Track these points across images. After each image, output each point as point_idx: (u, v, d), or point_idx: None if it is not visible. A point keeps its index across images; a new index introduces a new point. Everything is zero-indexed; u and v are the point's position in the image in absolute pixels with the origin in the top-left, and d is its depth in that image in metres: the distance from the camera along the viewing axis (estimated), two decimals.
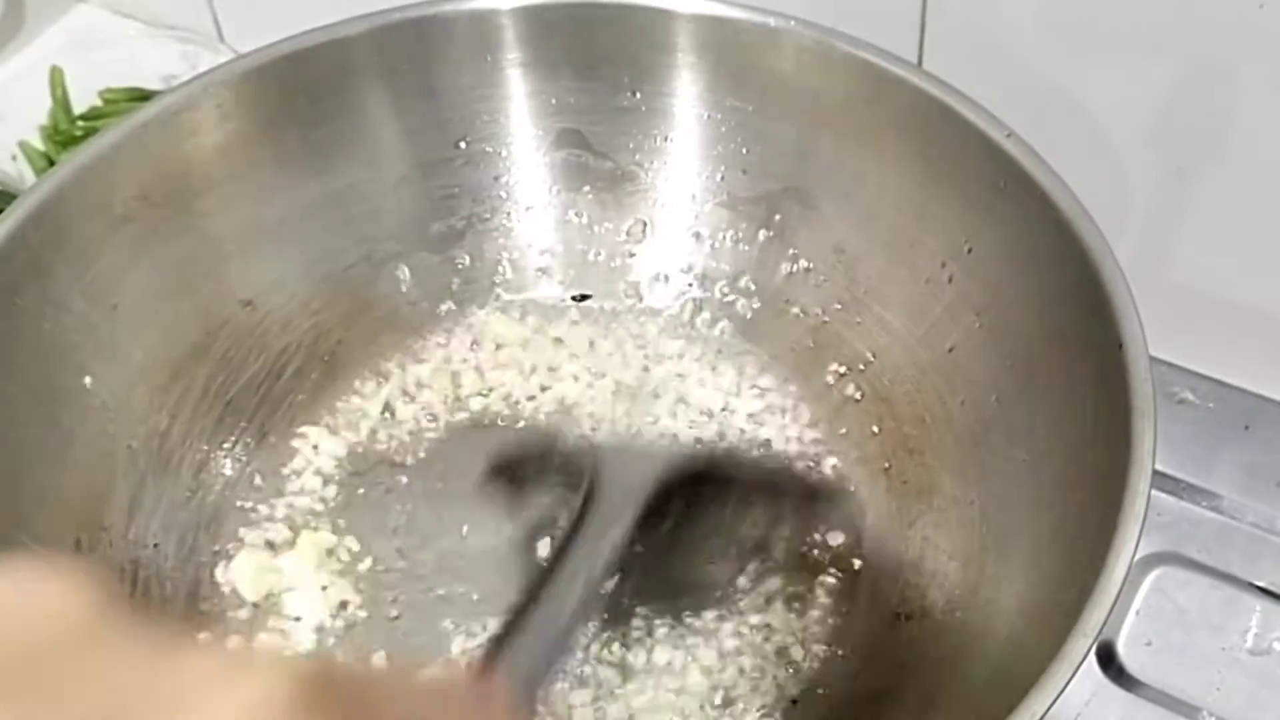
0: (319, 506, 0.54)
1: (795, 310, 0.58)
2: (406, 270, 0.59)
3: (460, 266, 0.60)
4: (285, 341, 0.57)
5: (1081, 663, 0.36)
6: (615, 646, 0.50)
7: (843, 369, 0.56)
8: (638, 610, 0.51)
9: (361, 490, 0.55)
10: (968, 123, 0.50)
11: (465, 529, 0.53)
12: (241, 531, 0.53)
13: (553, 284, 0.61)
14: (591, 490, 0.47)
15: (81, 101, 0.77)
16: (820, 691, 0.48)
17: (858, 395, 0.56)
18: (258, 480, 0.55)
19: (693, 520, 0.51)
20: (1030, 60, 0.56)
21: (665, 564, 0.51)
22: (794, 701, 0.48)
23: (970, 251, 0.52)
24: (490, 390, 0.58)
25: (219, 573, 0.52)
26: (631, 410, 0.57)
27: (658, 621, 0.50)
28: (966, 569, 0.48)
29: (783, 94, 0.55)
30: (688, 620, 0.50)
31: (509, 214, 0.60)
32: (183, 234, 0.54)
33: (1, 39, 0.81)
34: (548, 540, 0.52)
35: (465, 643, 0.50)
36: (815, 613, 0.51)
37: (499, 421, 0.57)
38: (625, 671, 0.49)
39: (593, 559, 0.44)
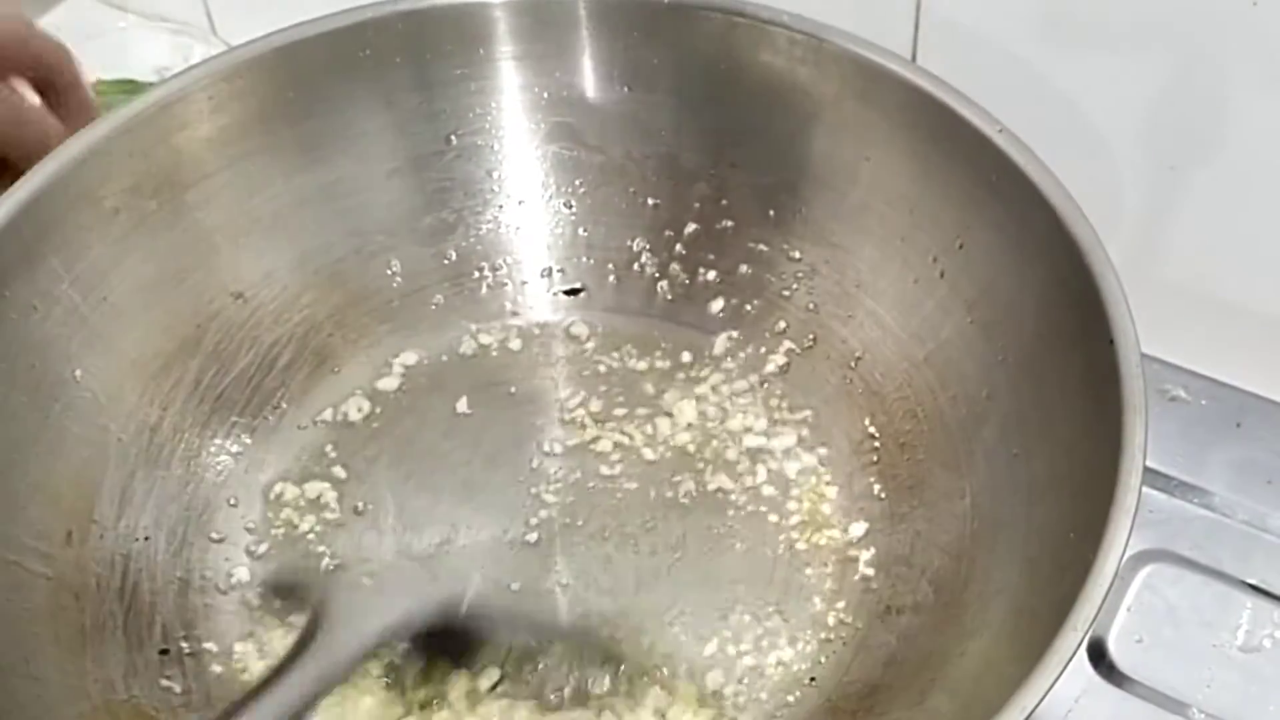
0: (313, 501, 0.54)
1: (786, 305, 0.58)
2: (397, 263, 0.59)
3: (451, 260, 0.60)
4: (276, 334, 0.57)
5: (1071, 659, 0.36)
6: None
7: (834, 364, 0.56)
8: None
9: (355, 485, 0.55)
10: (960, 118, 0.50)
11: (454, 522, 0.53)
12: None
13: (544, 278, 0.61)
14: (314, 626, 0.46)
15: None
16: (811, 684, 0.48)
17: (849, 390, 0.55)
18: (248, 474, 0.55)
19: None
20: (1024, 56, 0.56)
21: None
22: (786, 696, 0.48)
23: (962, 247, 0.52)
24: (483, 385, 0.58)
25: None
26: (622, 405, 0.57)
27: None
28: (958, 563, 0.48)
29: (775, 89, 0.55)
30: None
31: (501, 207, 0.60)
32: (174, 226, 0.54)
33: None
34: None
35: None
36: (808, 607, 0.51)
37: (489, 416, 0.57)
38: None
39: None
